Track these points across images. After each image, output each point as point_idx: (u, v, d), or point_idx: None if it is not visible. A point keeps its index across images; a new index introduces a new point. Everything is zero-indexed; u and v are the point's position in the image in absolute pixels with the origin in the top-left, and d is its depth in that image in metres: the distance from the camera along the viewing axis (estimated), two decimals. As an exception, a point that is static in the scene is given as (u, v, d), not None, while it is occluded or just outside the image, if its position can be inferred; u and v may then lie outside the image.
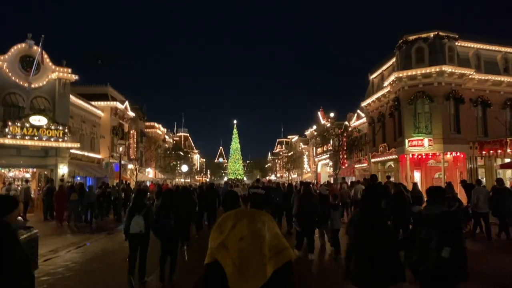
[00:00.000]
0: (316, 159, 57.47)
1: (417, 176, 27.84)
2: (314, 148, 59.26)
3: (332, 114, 47.27)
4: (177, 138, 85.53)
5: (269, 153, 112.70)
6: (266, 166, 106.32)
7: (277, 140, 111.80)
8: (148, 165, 51.91)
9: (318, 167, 56.67)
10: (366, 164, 38.01)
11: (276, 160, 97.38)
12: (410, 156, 26.04)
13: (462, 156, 26.07)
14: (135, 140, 47.71)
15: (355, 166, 40.47)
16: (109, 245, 13.82)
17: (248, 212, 1.43)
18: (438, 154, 25.45)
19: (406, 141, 25.70)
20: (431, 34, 26.05)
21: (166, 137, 69.64)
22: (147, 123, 56.09)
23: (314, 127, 57.42)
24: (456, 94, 25.44)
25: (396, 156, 28.42)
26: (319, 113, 56.71)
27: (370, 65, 39.89)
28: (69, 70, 28.20)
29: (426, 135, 25.31)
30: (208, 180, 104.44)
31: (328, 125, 48.02)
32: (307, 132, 64.47)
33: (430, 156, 26.52)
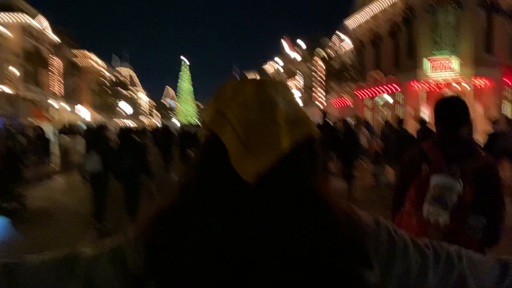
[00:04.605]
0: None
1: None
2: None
3: (301, 43, 39.95)
4: (118, 74, 74.79)
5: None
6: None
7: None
8: (80, 103, 42.87)
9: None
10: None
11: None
12: (429, 83, 19.38)
13: (489, 85, 19.87)
14: (61, 71, 38.33)
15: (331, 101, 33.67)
16: None
17: (255, 79, 1.02)
18: (465, 81, 18.94)
19: (425, 61, 18.84)
20: None
21: (107, 73, 59.44)
22: (77, 51, 45.30)
23: (277, 59, 49.94)
24: (493, 0, 18.74)
25: (398, 85, 21.83)
26: (283, 41, 48.45)
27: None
28: None
29: (450, 54, 18.65)
30: (160, 122, 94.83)
31: (297, 55, 41.13)
32: (267, 66, 56.16)
33: (449, 85, 20.09)
